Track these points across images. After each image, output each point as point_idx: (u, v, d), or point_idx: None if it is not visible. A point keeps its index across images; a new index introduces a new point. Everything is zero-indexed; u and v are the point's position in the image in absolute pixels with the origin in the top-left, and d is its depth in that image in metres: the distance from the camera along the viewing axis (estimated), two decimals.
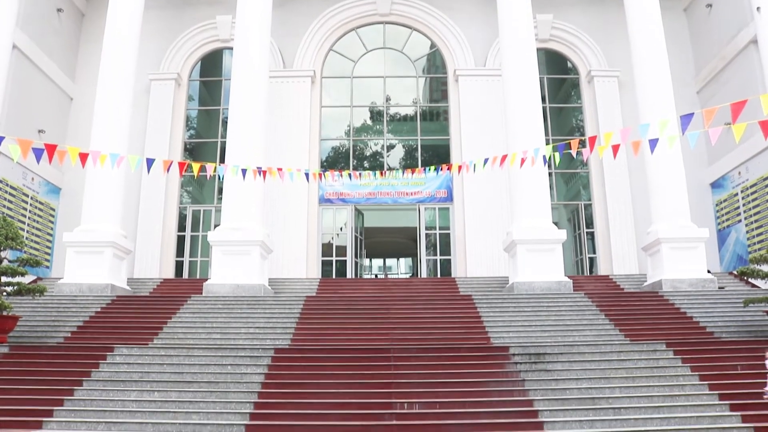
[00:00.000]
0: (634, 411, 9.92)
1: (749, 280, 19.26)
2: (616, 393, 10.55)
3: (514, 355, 11.86)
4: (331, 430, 9.41)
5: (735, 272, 20.09)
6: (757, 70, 21.02)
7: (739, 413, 9.68)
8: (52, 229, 23.25)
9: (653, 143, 10.39)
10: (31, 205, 21.96)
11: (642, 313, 15.43)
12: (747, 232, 21.76)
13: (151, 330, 14.18)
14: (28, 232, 21.61)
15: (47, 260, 22.73)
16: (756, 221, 21.27)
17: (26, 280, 16.67)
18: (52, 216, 23.36)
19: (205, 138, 25.87)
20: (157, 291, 19.95)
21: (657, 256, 18.74)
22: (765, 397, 7.13)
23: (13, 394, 10.44)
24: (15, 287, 14.09)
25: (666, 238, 18.32)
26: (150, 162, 12.62)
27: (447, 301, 16.71)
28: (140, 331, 14.05)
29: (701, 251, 18.42)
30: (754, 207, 21.39)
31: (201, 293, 17.73)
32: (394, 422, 9.67)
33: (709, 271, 18.77)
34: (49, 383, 10.81)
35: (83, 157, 11.46)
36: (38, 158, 11.08)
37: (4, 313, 13.33)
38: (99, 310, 15.72)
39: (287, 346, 13.05)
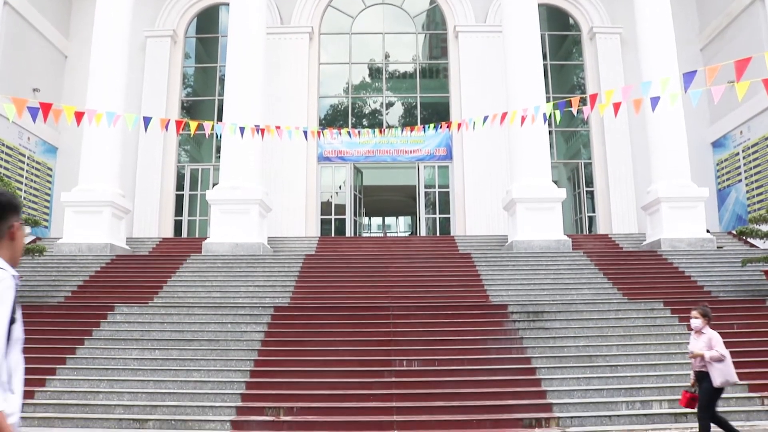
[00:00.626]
0: (630, 369, 10.02)
1: (748, 239, 19.29)
2: (613, 351, 10.65)
3: (512, 313, 11.94)
4: (331, 388, 9.51)
5: (734, 232, 20.11)
6: (763, 27, 20.69)
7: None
8: (49, 188, 23.18)
9: (655, 101, 10.24)
10: (28, 164, 21.84)
11: (640, 272, 15.50)
12: (747, 191, 21.71)
13: (151, 289, 14.25)
14: (25, 192, 21.54)
15: (46, 220, 22.71)
16: (756, 181, 21.21)
17: (25, 240, 16.66)
18: (50, 176, 23.26)
19: (202, 96, 25.59)
20: (156, 250, 20.00)
21: (656, 216, 18.73)
22: (689, 356, 7.26)
23: None
24: None
25: (665, 198, 18.28)
26: (147, 120, 12.48)
27: (446, 260, 16.75)
28: (140, 290, 14.12)
29: (701, 211, 18.40)
30: (755, 167, 21.30)
31: (200, 252, 17.76)
32: (393, 379, 9.77)
33: (708, 231, 18.78)
34: (51, 342, 10.89)
35: (79, 116, 11.32)
36: (34, 117, 10.96)
37: None
38: (99, 269, 15.78)
39: (287, 305, 13.12)
